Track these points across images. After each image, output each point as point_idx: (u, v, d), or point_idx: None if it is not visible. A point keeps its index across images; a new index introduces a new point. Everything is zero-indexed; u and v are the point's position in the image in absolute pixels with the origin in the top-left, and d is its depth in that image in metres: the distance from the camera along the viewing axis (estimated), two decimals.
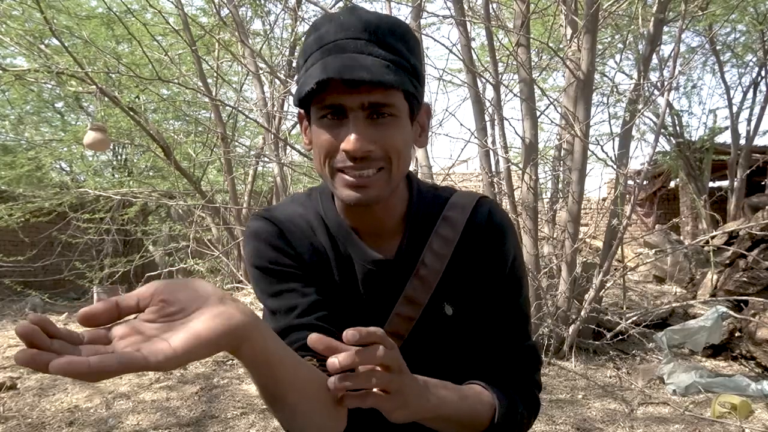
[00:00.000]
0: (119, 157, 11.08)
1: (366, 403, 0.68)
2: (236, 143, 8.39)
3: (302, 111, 0.90)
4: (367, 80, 0.77)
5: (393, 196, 0.91)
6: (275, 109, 6.35)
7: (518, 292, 0.97)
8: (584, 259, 5.21)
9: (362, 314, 0.93)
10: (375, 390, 0.68)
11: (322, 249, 0.94)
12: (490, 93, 4.64)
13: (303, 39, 0.90)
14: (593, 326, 4.46)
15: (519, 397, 0.91)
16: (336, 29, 0.82)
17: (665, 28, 5.75)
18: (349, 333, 0.63)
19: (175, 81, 5.63)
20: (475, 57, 4.52)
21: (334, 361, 0.64)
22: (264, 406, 3.40)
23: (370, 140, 0.81)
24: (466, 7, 4.42)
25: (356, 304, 0.94)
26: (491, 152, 4.43)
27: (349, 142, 0.80)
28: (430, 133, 0.98)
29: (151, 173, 10.75)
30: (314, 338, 0.65)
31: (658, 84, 6.37)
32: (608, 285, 4.60)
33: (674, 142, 10.39)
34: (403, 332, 0.92)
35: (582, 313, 4.31)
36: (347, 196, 0.84)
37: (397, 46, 0.83)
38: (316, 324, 0.87)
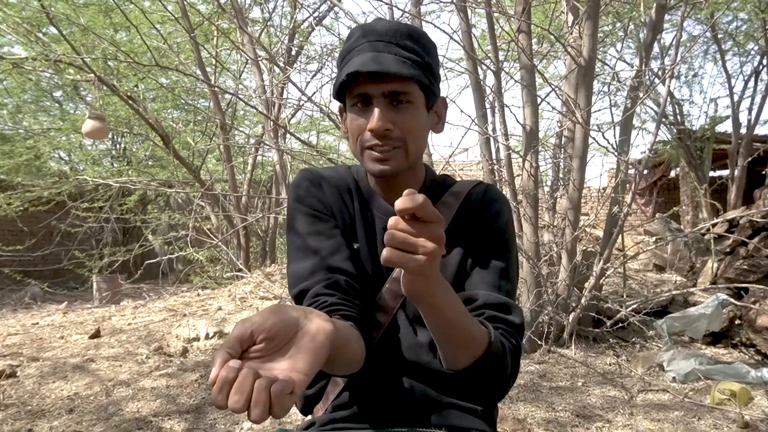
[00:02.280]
0: (118, 146, 11.06)
1: (392, 258, 0.76)
2: (236, 130, 8.37)
3: (341, 105, 1.10)
4: (384, 71, 0.96)
5: (411, 175, 1.11)
6: (274, 96, 6.32)
7: (507, 254, 1.10)
8: (584, 248, 5.20)
9: (377, 263, 1.10)
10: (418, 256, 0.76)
11: (350, 203, 1.13)
12: (490, 80, 4.61)
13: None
14: (593, 314, 4.46)
15: (507, 343, 1.00)
16: (363, 33, 1.02)
17: (666, 16, 5.71)
18: (409, 199, 0.74)
19: (174, 68, 5.60)
20: (475, 44, 4.48)
21: (390, 224, 0.76)
22: None
23: (390, 121, 1.00)
24: None
25: (372, 254, 1.11)
26: (492, 140, 4.41)
27: (373, 121, 0.99)
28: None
29: (150, 162, 10.72)
30: (409, 191, 0.75)
31: (660, 72, 6.34)
32: (608, 273, 4.59)
33: (675, 131, 10.35)
34: None
35: (582, 300, 4.31)
36: (372, 167, 1.04)
37: (414, 47, 1.02)
38: (338, 267, 1.04)
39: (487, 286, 1.05)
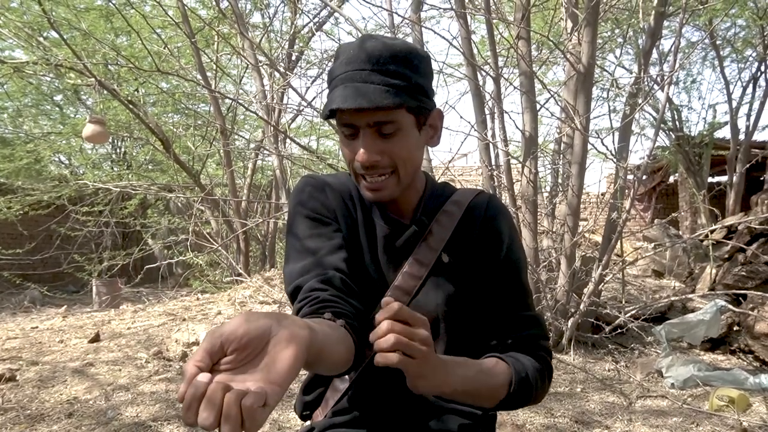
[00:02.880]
0: (118, 150, 11.05)
1: (394, 360, 0.77)
2: (236, 135, 8.38)
3: None
4: (365, 107, 0.94)
5: (410, 189, 1.10)
6: (275, 101, 6.34)
7: (519, 266, 1.12)
8: (583, 253, 5.21)
9: (379, 271, 1.11)
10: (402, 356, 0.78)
11: (353, 210, 1.13)
12: (490, 86, 4.63)
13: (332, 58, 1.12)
14: (592, 320, 4.46)
15: (529, 363, 1.03)
16: (348, 60, 0.99)
17: (665, 23, 5.73)
18: (394, 305, 0.76)
19: (175, 73, 5.61)
20: (475, 50, 4.50)
21: (382, 330, 0.76)
22: None
23: (378, 152, 1.00)
24: (466, 0, 4.41)
25: (374, 262, 1.12)
26: (491, 145, 4.42)
27: (360, 155, 1.00)
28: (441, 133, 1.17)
29: (150, 166, 10.72)
30: (388, 300, 0.78)
31: (658, 78, 6.36)
32: (607, 279, 4.60)
33: (674, 137, 10.37)
34: (411, 288, 1.08)
35: (581, 306, 4.32)
36: (366, 195, 1.06)
37: (400, 70, 0.98)
38: (334, 265, 1.04)
39: (508, 306, 1.09)
